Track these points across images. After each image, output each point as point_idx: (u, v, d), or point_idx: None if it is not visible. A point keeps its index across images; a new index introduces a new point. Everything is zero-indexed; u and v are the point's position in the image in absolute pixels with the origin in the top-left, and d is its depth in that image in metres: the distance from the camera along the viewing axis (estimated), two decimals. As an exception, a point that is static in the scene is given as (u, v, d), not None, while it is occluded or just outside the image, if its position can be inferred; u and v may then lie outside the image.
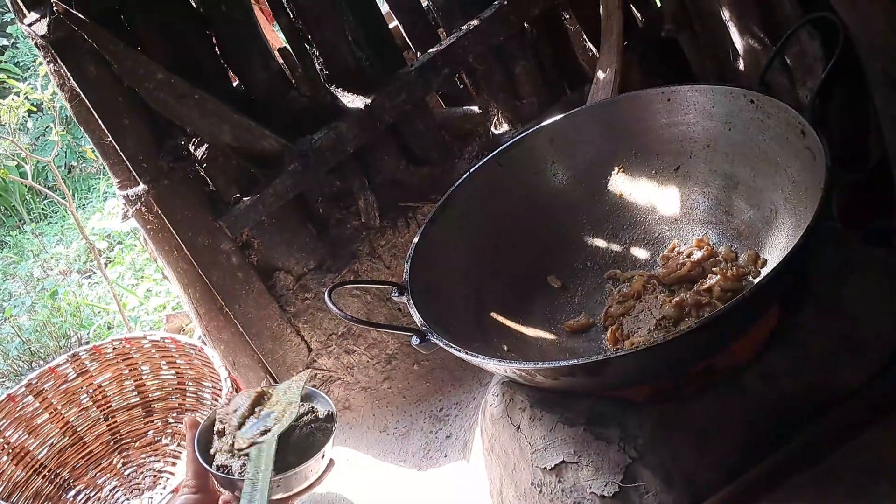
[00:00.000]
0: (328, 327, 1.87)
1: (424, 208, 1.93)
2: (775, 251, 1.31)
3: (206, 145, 1.79)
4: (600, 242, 1.58)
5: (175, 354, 2.05)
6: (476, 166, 1.59)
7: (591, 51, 2.08)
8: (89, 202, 4.89)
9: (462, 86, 2.11)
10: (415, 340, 1.26)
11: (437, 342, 1.23)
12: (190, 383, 2.08)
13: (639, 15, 2.03)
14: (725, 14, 1.59)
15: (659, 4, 1.94)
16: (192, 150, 1.79)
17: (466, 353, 1.18)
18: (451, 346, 1.20)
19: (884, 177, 1.41)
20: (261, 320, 1.85)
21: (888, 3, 1.33)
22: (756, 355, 1.16)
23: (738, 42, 1.59)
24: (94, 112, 1.70)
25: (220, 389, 1.79)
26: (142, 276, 3.53)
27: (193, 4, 1.76)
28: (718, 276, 1.34)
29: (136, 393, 2.16)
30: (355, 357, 1.88)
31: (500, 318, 1.47)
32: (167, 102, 1.68)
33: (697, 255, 1.42)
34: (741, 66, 1.63)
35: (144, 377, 2.14)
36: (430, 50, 1.86)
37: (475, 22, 1.86)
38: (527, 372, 1.14)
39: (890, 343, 1.08)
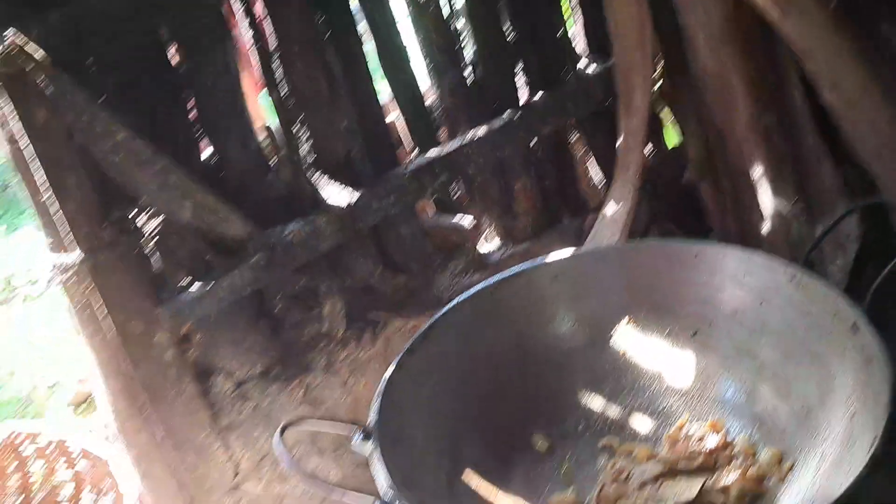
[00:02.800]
0: (263, 447, 1.61)
1: (396, 322, 1.71)
2: (805, 457, 1.14)
3: (158, 220, 1.56)
4: (597, 403, 1.39)
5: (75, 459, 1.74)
6: (467, 294, 1.40)
7: (594, 179, 1.95)
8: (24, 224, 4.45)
9: (455, 196, 1.94)
10: (373, 512, 1.03)
11: (408, 520, 1.01)
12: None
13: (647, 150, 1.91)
14: (757, 173, 1.48)
15: (673, 143, 1.82)
16: (141, 224, 1.55)
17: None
18: (427, 532, 0.98)
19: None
20: (187, 429, 1.58)
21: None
22: None
23: (768, 206, 1.47)
24: (36, 162, 1.45)
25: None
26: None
27: (173, 64, 1.56)
28: (738, 475, 1.16)
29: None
30: (288, 487, 1.62)
31: (475, 482, 1.25)
32: (124, 168, 1.45)
33: (712, 442, 1.24)
34: (765, 230, 1.50)
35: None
36: (429, 153, 1.69)
37: (482, 131, 1.71)
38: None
39: None
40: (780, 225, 1.46)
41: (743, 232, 1.55)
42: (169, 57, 1.55)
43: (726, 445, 1.23)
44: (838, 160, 1.44)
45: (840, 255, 1.43)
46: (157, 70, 1.53)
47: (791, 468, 1.16)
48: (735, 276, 1.29)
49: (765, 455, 1.19)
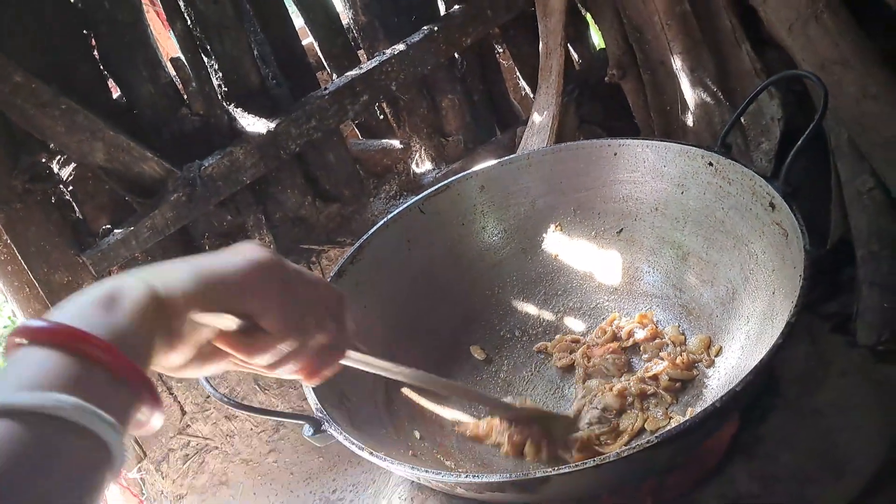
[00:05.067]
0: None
1: (331, 252, 1.69)
2: (732, 339, 1.15)
3: (73, 165, 1.50)
4: (531, 309, 1.39)
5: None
6: (395, 212, 1.38)
7: (525, 90, 1.92)
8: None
9: (382, 116, 1.89)
10: (307, 431, 1.03)
11: (336, 436, 1.00)
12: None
13: (576, 55, 1.87)
14: (677, 63, 1.45)
15: (601, 45, 1.78)
16: (56, 170, 1.49)
17: (373, 455, 0.96)
18: (355, 443, 0.98)
19: (844, 256, 1.28)
20: (127, 375, 1.56)
21: (863, 71, 1.21)
22: (715, 468, 0.98)
23: (689, 95, 1.45)
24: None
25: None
26: None
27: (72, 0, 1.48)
28: (666, 363, 1.17)
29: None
30: (237, 424, 1.61)
31: (413, 397, 1.25)
32: (25, 111, 1.39)
33: (640, 333, 1.24)
34: (690, 121, 1.49)
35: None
36: (348, 73, 1.64)
37: (401, 47, 1.66)
38: (446, 484, 0.92)
39: (872, 461, 0.92)
40: (703, 113, 1.44)
41: (667, 124, 1.52)
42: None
43: (655, 336, 1.24)
44: (757, 42, 1.41)
45: (764, 139, 1.41)
46: (55, 7, 1.45)
47: (719, 352, 1.17)
48: (654, 168, 1.27)
49: (693, 342, 1.20)
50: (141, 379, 0.54)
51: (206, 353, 0.66)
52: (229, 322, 0.63)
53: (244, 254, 0.65)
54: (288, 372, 0.71)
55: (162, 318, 0.59)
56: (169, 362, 0.63)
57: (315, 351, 0.71)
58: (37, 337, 0.52)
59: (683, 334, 1.23)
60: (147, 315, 0.57)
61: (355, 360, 0.83)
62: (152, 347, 0.59)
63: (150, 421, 0.57)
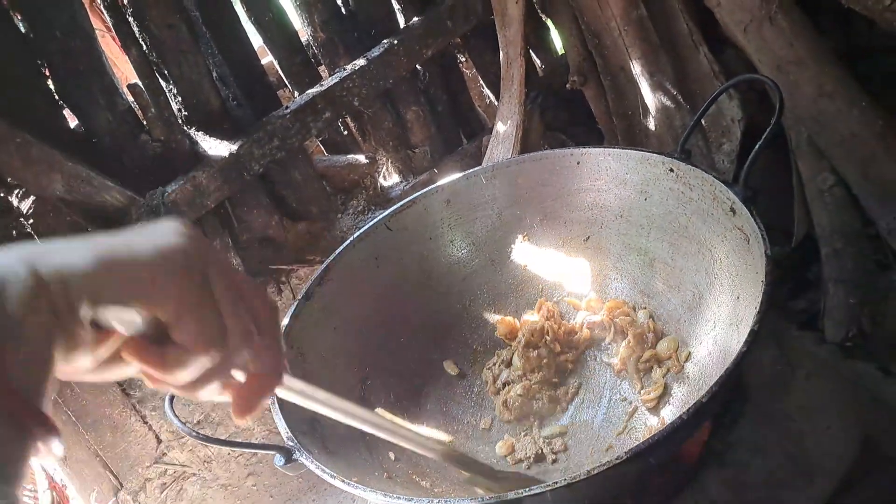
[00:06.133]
0: (181, 414, 1.58)
1: (300, 271, 1.68)
2: (700, 344, 1.16)
3: (32, 198, 1.48)
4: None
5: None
6: (361, 230, 1.37)
7: (489, 98, 1.92)
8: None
9: (346, 132, 1.88)
10: (278, 461, 1.02)
11: (308, 464, 0.99)
12: None
13: (538, 61, 1.87)
14: (636, 68, 1.45)
15: (561, 52, 1.79)
16: (15, 204, 1.47)
17: (345, 482, 0.95)
18: (326, 472, 0.97)
19: (809, 253, 1.29)
20: (98, 407, 1.54)
21: (818, 70, 1.22)
22: (687, 476, 0.98)
23: (650, 99, 1.45)
24: None
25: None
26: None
27: (22, 29, 1.45)
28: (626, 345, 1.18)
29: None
30: (214, 449, 1.60)
31: (388, 416, 1.24)
32: (-21, 146, 1.36)
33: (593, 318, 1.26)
34: (652, 125, 1.49)
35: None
36: (309, 91, 1.63)
37: (361, 62, 1.65)
38: (419, 509, 0.92)
39: (842, 463, 0.92)
40: (664, 117, 1.45)
41: (629, 129, 1.53)
42: (17, 24, 1.44)
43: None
44: (715, 41, 1.42)
45: (725, 140, 1.42)
46: (3, 39, 1.43)
47: (688, 357, 1.17)
48: (617, 175, 1.27)
49: (663, 344, 1.21)
50: (31, 413, 0.44)
51: (118, 356, 0.53)
52: (131, 320, 0.50)
53: (159, 236, 0.51)
54: (212, 394, 0.58)
55: (51, 309, 0.46)
56: (73, 366, 0.51)
57: (244, 371, 0.58)
58: None
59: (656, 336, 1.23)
60: (36, 308, 0.45)
61: (295, 390, 0.69)
62: (49, 351, 0.46)
63: (50, 452, 0.46)
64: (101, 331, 0.50)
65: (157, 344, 0.52)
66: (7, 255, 0.46)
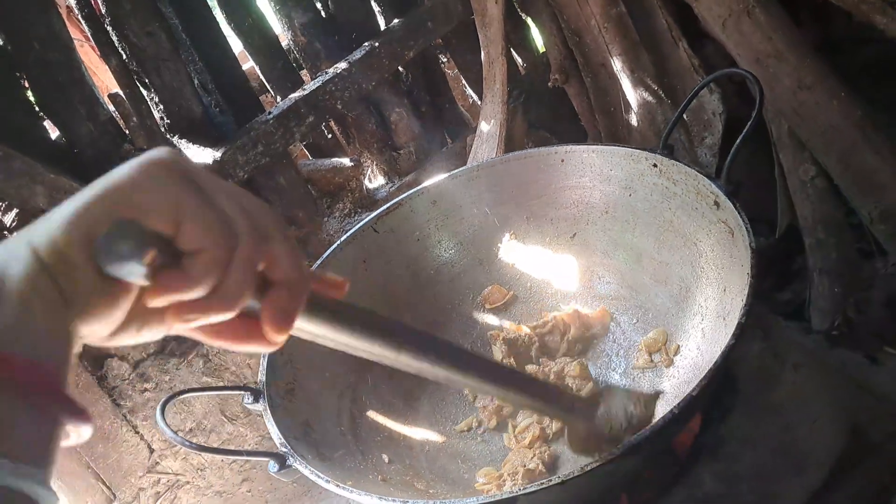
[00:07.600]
0: (173, 422, 1.57)
1: (289, 276, 1.67)
2: (689, 337, 1.16)
3: (15, 211, 1.47)
4: (492, 320, 1.39)
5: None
6: (348, 234, 1.37)
7: (472, 97, 1.92)
8: None
9: (331, 135, 1.88)
10: (272, 467, 1.02)
11: (302, 470, 0.99)
12: None
13: (520, 60, 1.88)
14: (617, 65, 1.46)
15: (542, 50, 1.79)
16: (0, 216, 1.46)
17: (339, 486, 0.95)
18: (321, 477, 0.97)
19: (794, 244, 1.31)
20: (90, 419, 1.53)
21: (796, 63, 1.23)
22: (680, 469, 0.99)
23: (631, 95, 1.46)
24: None
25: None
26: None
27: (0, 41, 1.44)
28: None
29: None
30: (207, 457, 1.59)
31: (380, 420, 1.25)
32: (-41, 161, 1.35)
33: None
34: (634, 120, 1.50)
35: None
36: (292, 95, 1.62)
37: (343, 65, 1.65)
38: (415, 511, 0.92)
39: (832, 453, 0.94)
40: (646, 112, 1.46)
41: (612, 125, 1.54)
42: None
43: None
44: (695, 35, 1.43)
45: (707, 133, 1.43)
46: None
47: (677, 350, 1.18)
48: (601, 172, 1.28)
49: (651, 335, 1.21)
50: (54, 391, 0.43)
51: (138, 312, 0.50)
52: (142, 262, 0.46)
53: (134, 161, 0.49)
54: (249, 297, 0.51)
55: (53, 281, 0.45)
56: (93, 333, 0.49)
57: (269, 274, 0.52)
58: None
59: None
60: (41, 286, 0.44)
61: (329, 308, 0.59)
62: (64, 330, 0.45)
63: (79, 436, 0.46)
64: (117, 282, 0.48)
65: (167, 267, 0.48)
66: (11, 241, 0.46)
